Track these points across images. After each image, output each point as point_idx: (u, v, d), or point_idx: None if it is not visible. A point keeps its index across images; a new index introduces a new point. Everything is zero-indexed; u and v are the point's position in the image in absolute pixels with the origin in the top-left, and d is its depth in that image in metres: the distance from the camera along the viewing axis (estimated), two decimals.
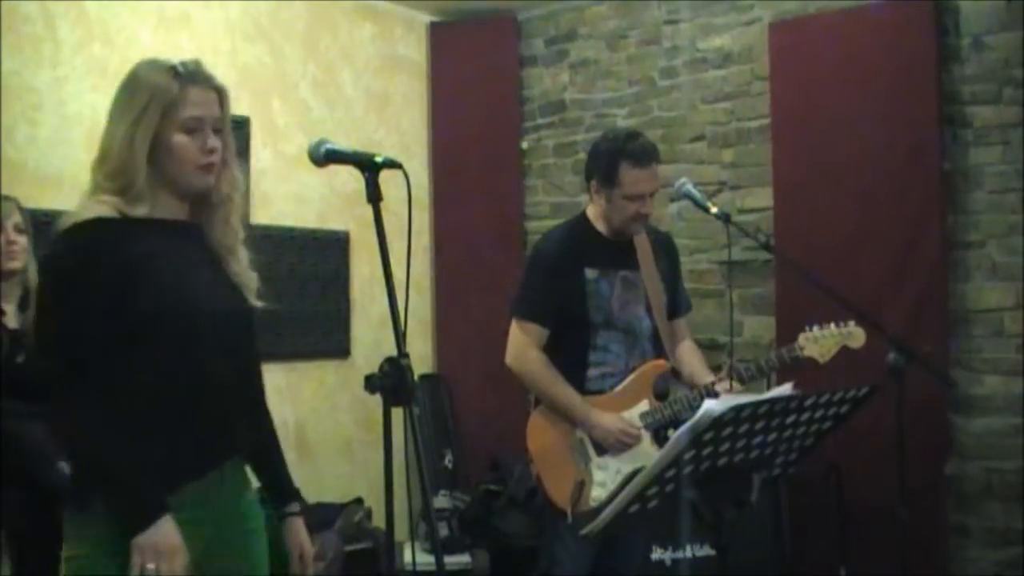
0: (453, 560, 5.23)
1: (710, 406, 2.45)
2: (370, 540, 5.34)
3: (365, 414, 5.86)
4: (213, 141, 2.50)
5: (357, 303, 6.02)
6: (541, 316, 3.91)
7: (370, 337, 5.99)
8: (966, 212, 4.85)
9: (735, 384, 3.79)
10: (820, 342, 3.79)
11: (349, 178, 2.58)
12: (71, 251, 2.39)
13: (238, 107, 5.24)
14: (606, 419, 3.82)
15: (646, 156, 3.83)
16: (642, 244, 4.00)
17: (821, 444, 2.90)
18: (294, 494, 2.80)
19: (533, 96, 6.50)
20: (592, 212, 4.00)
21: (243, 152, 5.36)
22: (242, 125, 5.36)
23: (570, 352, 3.91)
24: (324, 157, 2.48)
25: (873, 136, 4.96)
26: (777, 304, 5.27)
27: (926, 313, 4.78)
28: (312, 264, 5.79)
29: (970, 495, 4.82)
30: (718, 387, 3.80)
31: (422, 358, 6.34)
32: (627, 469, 3.81)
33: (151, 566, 2.32)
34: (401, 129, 6.39)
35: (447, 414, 6.18)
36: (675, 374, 4.00)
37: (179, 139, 2.45)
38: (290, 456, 5.80)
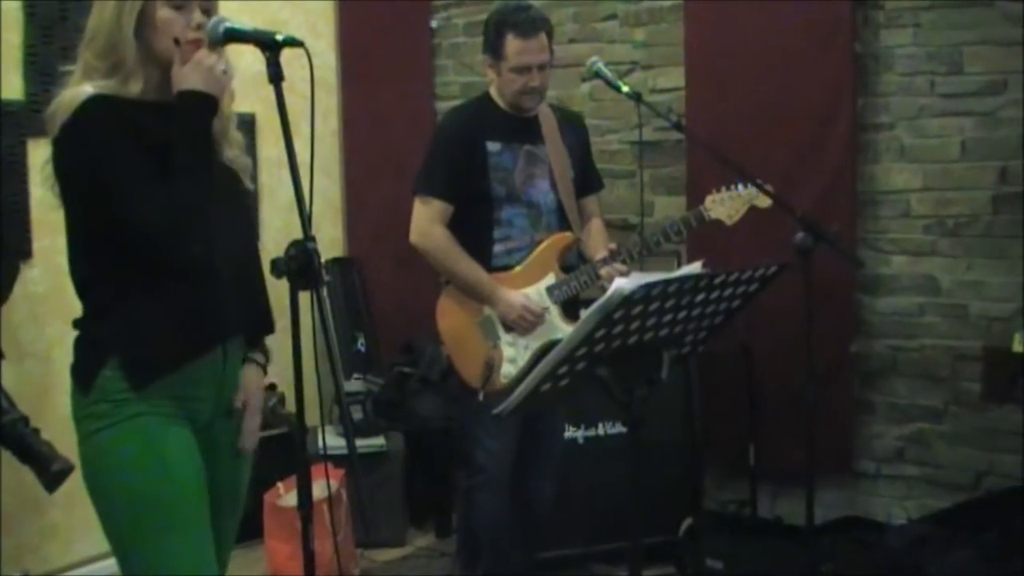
0: (367, 443, 5.24)
1: (620, 284, 2.45)
2: (284, 426, 5.33)
3: (275, 300, 5.77)
4: (200, 18, 2.50)
5: (265, 187, 5.88)
6: (445, 192, 3.86)
7: (278, 221, 5.88)
8: (876, 94, 4.86)
9: (623, 263, 3.81)
10: (727, 203, 3.80)
11: (254, 59, 2.52)
12: (91, 122, 2.39)
13: None
14: (510, 296, 3.82)
15: (531, 27, 3.78)
16: (547, 119, 3.97)
17: (731, 323, 2.93)
18: (262, 349, 2.91)
19: None
20: (494, 90, 3.97)
21: None
22: None
23: (474, 228, 3.89)
24: (223, 36, 2.44)
25: (786, 16, 4.91)
26: (688, 184, 5.26)
27: (835, 194, 4.80)
28: None
29: (875, 372, 4.92)
30: (602, 270, 3.81)
31: (333, 241, 6.28)
32: (536, 344, 3.84)
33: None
34: (307, 8, 6.20)
35: (359, 297, 6.13)
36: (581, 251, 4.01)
37: (164, 13, 2.46)
38: None
